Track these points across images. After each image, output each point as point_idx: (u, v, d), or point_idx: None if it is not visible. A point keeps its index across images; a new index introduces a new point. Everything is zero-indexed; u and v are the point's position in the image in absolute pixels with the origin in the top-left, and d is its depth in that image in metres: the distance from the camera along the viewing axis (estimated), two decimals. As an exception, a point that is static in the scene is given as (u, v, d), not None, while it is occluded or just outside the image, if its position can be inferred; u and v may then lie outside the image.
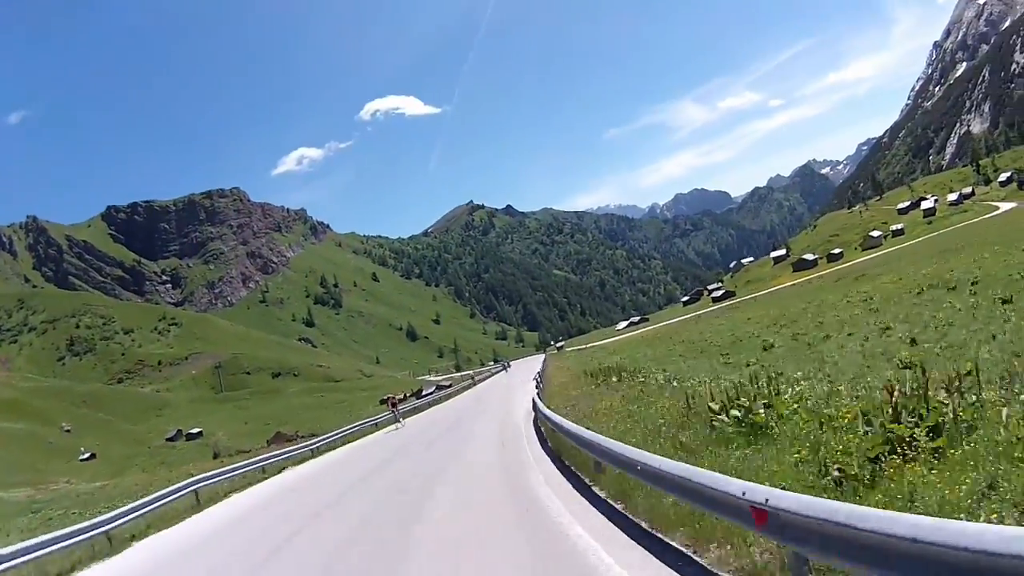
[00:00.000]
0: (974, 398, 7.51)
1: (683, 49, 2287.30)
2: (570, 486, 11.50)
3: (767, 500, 5.16)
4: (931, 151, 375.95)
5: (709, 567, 6.36)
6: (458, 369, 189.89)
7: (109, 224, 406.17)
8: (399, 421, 35.02)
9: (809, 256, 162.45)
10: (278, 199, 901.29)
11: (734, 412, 9.93)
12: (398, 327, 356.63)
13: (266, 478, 22.41)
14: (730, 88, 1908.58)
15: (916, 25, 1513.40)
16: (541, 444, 17.34)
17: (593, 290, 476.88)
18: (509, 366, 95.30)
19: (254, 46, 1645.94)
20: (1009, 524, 4.33)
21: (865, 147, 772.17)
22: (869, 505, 5.20)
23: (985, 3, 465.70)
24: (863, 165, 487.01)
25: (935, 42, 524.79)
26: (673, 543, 7.23)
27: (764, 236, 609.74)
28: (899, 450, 6.55)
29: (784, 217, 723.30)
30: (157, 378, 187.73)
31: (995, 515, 4.72)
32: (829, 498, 5.12)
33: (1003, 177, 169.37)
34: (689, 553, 6.85)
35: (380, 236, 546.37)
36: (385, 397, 40.60)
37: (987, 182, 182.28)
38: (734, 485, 5.76)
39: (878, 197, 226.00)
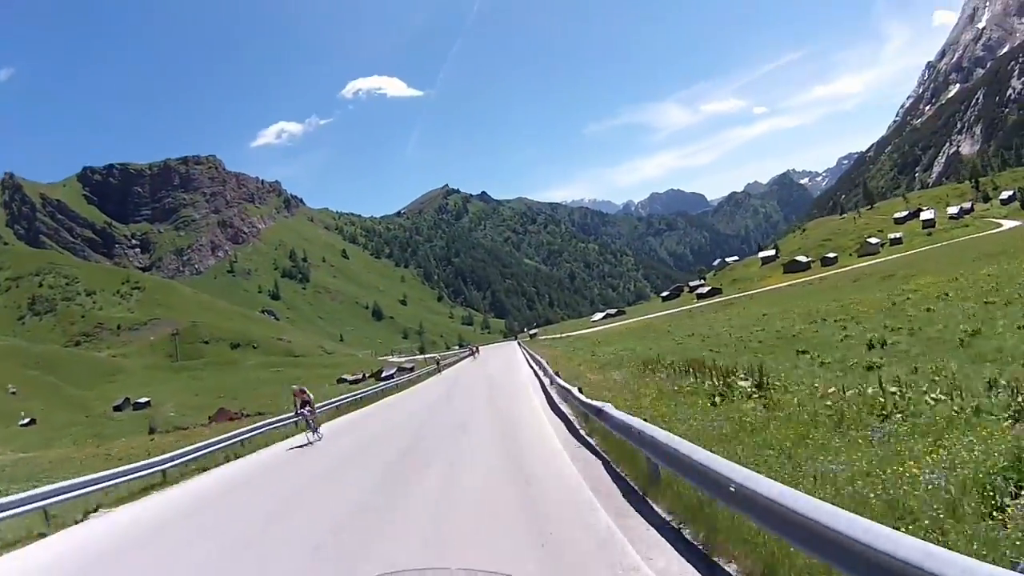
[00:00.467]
0: None
1: (670, 50, 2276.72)
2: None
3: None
4: (917, 168, 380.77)
5: None
6: (422, 351, 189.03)
7: (84, 185, 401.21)
8: (312, 430, 21.19)
9: (802, 258, 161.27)
10: (255, 171, 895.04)
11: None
12: (364, 306, 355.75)
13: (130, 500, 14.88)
14: (715, 92, 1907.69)
15: (907, 45, 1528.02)
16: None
17: (563, 281, 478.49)
18: (478, 352, 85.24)
19: (243, 15, 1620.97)
20: None
21: (846, 161, 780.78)
22: None
23: (985, 27, 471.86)
24: (845, 178, 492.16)
25: (928, 62, 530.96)
26: None
27: (738, 241, 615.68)
28: None
29: (759, 223, 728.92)
30: (115, 343, 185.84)
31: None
32: None
33: (1005, 195, 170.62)
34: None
35: (353, 214, 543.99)
36: (297, 388, 23.10)
37: (986, 199, 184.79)
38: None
39: (869, 206, 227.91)
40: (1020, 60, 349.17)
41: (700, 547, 6.47)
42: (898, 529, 4.30)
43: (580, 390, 15.26)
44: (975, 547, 4.74)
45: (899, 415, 8.86)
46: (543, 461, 11.86)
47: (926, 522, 5.34)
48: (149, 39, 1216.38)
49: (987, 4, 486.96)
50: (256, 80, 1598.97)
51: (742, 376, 15.49)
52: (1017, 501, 5.47)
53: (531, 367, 39.11)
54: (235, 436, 22.22)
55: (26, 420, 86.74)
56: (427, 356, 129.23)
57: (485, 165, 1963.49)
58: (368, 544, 8.14)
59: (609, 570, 6.22)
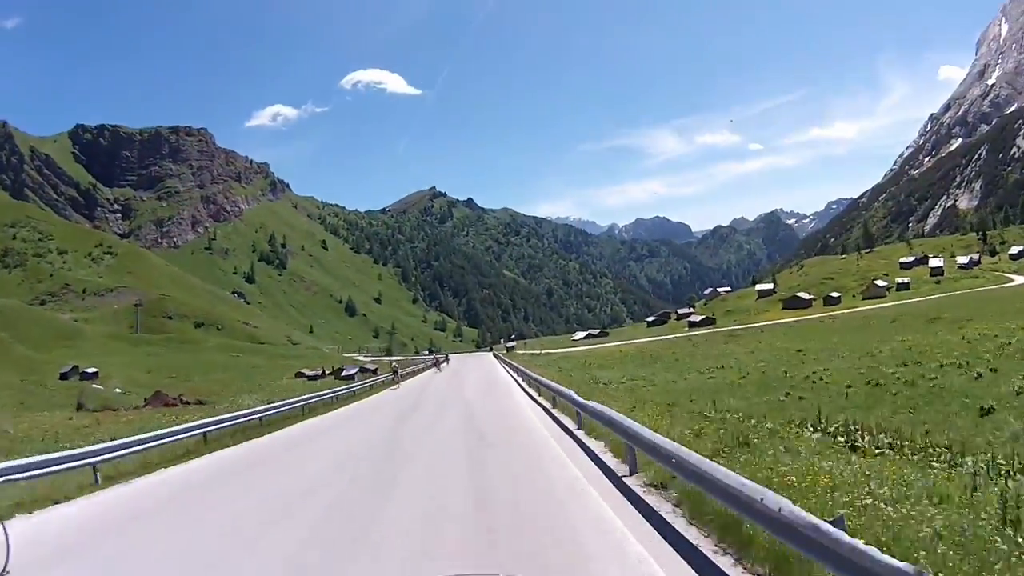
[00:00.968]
0: None
1: (670, 78, 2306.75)
2: None
3: None
4: (912, 218, 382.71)
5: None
6: (389, 353, 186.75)
7: (74, 143, 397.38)
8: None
9: (804, 295, 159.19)
10: (245, 150, 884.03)
11: None
12: (338, 300, 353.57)
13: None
14: (710, 125, 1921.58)
15: (908, 97, 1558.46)
16: None
17: (540, 297, 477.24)
18: (447, 363, 71.97)
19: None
20: None
21: (835, 205, 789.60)
22: None
23: (994, 84, 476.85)
24: (836, 221, 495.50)
25: (932, 114, 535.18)
26: None
27: (719, 275, 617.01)
28: None
29: (742, 259, 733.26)
30: (79, 306, 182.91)
31: None
32: None
33: (1015, 250, 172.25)
34: None
35: (337, 205, 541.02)
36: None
37: (993, 252, 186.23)
38: None
39: (869, 249, 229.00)
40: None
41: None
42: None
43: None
44: None
45: None
46: None
47: None
48: (161, 4, 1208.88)
49: (999, 61, 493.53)
50: (257, 59, 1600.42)
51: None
52: None
53: (526, 391, 29.77)
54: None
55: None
56: (393, 359, 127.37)
57: (475, 171, 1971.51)
58: None
59: None
